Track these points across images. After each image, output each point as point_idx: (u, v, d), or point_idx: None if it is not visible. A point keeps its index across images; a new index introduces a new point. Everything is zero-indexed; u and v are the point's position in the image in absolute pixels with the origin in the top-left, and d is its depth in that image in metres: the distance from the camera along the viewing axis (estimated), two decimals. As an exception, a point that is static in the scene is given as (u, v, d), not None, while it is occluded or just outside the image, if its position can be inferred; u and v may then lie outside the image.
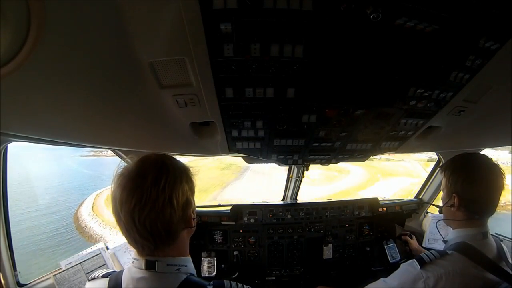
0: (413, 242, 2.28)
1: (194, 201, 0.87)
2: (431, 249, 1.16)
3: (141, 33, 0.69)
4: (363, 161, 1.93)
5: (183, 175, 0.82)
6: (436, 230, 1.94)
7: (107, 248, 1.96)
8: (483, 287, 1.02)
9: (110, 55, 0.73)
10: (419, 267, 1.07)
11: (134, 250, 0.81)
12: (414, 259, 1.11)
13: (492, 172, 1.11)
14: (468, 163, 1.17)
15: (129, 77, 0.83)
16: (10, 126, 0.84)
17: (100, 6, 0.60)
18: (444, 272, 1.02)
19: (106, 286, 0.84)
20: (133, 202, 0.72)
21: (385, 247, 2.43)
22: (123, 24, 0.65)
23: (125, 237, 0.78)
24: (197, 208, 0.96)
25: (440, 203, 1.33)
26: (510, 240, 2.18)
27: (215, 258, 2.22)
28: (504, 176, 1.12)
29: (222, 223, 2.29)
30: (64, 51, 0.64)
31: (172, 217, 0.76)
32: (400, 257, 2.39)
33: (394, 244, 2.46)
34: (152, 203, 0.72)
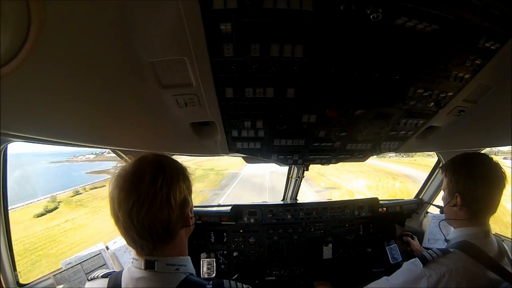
0: (415, 243, 2.26)
1: (191, 200, 0.87)
2: (431, 249, 1.16)
3: (141, 33, 0.69)
4: (363, 161, 1.93)
5: (180, 174, 0.83)
6: (437, 230, 1.93)
7: (107, 248, 1.96)
8: (484, 285, 1.02)
9: (111, 55, 0.73)
10: (421, 265, 1.07)
11: (133, 250, 0.81)
12: (417, 258, 1.11)
13: (494, 172, 1.11)
14: (470, 162, 1.17)
15: (129, 77, 0.83)
16: (10, 126, 0.84)
17: (100, 6, 0.60)
18: (446, 270, 1.02)
19: (106, 286, 0.84)
20: (131, 202, 0.72)
21: (387, 248, 2.42)
22: (124, 24, 0.65)
23: (124, 237, 0.78)
24: (197, 208, 0.97)
25: (440, 203, 1.33)
26: (510, 240, 2.17)
27: (214, 259, 2.22)
28: (505, 175, 1.12)
29: (222, 223, 2.28)
30: (64, 51, 0.64)
31: (170, 216, 0.76)
32: (401, 258, 2.38)
33: (395, 245, 2.45)
34: (150, 202, 0.72)
